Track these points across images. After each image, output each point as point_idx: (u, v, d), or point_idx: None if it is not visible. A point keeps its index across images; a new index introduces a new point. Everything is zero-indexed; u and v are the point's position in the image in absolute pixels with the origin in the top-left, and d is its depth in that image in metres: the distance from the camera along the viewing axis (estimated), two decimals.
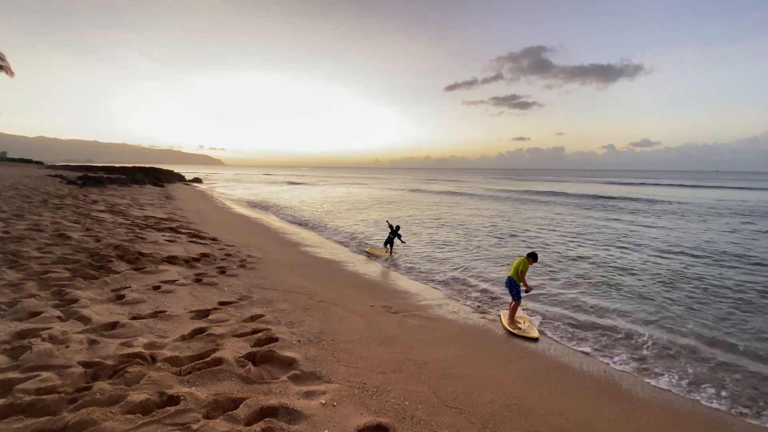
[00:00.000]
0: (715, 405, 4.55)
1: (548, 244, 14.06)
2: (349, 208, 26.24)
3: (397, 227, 12.39)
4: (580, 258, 11.86)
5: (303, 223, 19.06)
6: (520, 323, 6.58)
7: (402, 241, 12.44)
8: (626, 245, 13.93)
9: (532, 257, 6.97)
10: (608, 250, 13.15)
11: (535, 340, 6.07)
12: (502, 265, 10.81)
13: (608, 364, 5.49)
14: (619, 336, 6.37)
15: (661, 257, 12.07)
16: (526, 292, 6.83)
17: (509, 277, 6.82)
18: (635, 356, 5.71)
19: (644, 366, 5.43)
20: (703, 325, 6.89)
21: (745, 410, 4.47)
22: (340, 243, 14.18)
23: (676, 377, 5.14)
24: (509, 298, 7.08)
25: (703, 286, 9.10)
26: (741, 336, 6.44)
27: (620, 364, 5.48)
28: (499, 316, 7.01)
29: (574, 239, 15.15)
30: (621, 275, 10.01)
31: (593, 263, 11.25)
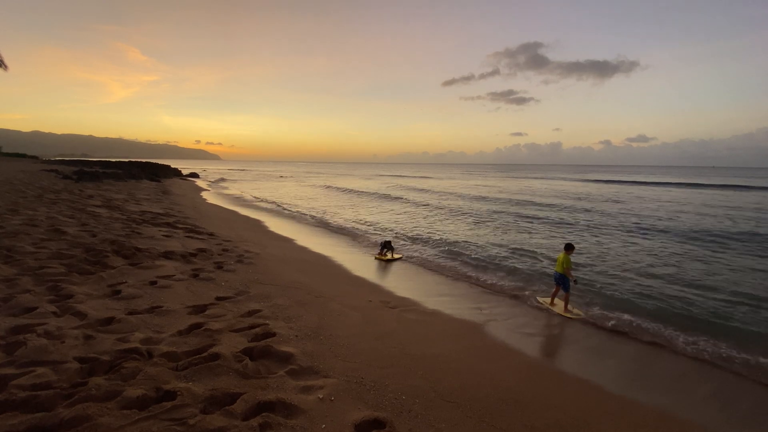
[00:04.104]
0: None
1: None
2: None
3: (388, 242, 11.45)
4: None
5: None
6: (570, 308, 7.33)
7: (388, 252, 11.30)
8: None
9: (570, 249, 7.49)
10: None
11: (581, 319, 6.93)
12: (499, 264, 10.84)
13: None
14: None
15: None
16: (575, 282, 7.46)
17: (558, 272, 7.47)
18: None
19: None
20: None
21: None
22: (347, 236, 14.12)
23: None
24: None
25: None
26: None
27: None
28: (541, 302, 7.67)
29: None
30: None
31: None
